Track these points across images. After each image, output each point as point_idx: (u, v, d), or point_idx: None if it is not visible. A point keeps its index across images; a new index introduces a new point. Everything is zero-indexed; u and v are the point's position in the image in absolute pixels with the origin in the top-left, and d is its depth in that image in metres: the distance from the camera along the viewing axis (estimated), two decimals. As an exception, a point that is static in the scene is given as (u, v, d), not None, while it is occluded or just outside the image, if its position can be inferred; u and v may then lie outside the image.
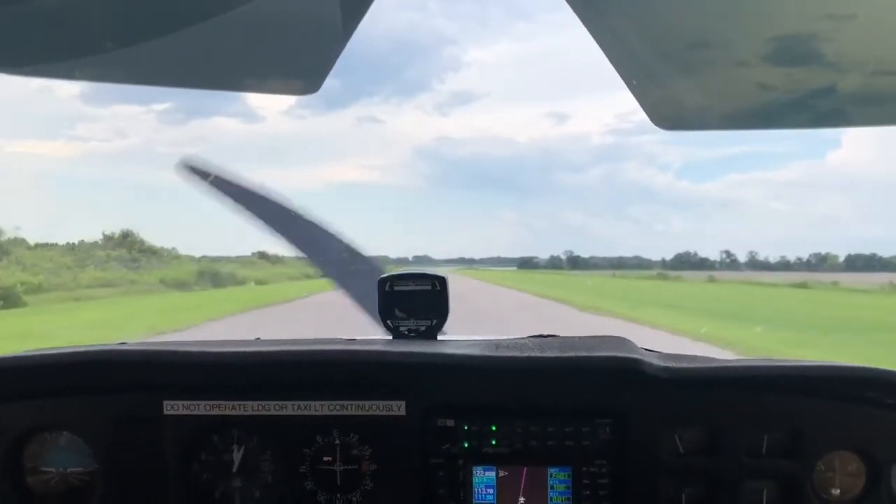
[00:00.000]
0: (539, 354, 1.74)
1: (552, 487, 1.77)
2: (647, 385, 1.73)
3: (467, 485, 1.78)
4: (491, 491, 1.78)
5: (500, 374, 1.76)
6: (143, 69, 1.66)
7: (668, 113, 1.75)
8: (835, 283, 46.91)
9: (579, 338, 2.05)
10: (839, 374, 1.75)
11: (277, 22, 1.57)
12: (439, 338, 2.02)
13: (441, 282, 2.00)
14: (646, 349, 1.89)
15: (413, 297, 2.00)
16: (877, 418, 1.74)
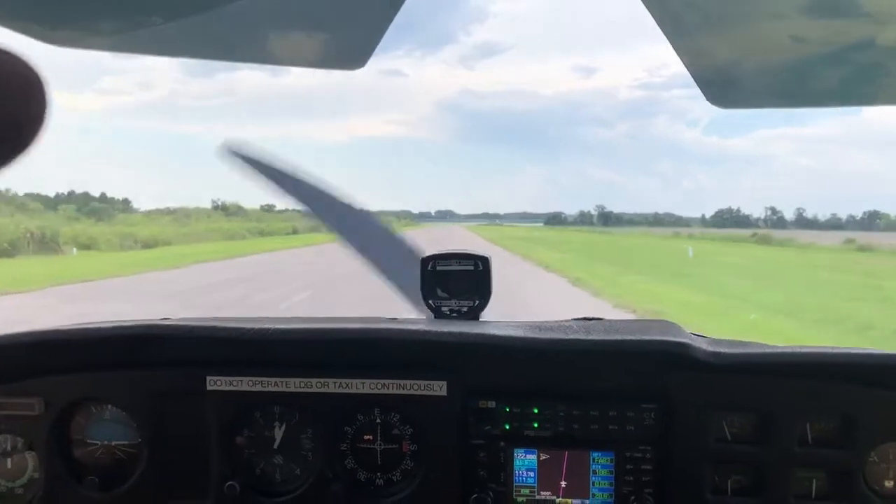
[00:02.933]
0: (584, 337, 1.72)
1: (594, 472, 1.75)
2: (695, 370, 1.69)
3: (508, 467, 1.77)
4: (532, 474, 1.77)
5: (543, 356, 1.74)
6: (188, 43, 1.65)
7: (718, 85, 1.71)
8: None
9: (625, 321, 2.02)
10: (892, 363, 1.69)
11: None
12: (481, 319, 2.00)
13: (484, 262, 1.97)
14: (695, 334, 1.84)
15: (455, 277, 1.98)
16: None
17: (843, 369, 1.71)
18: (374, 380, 1.76)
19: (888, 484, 1.73)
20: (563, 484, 1.76)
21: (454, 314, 1.98)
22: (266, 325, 1.79)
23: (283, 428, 1.83)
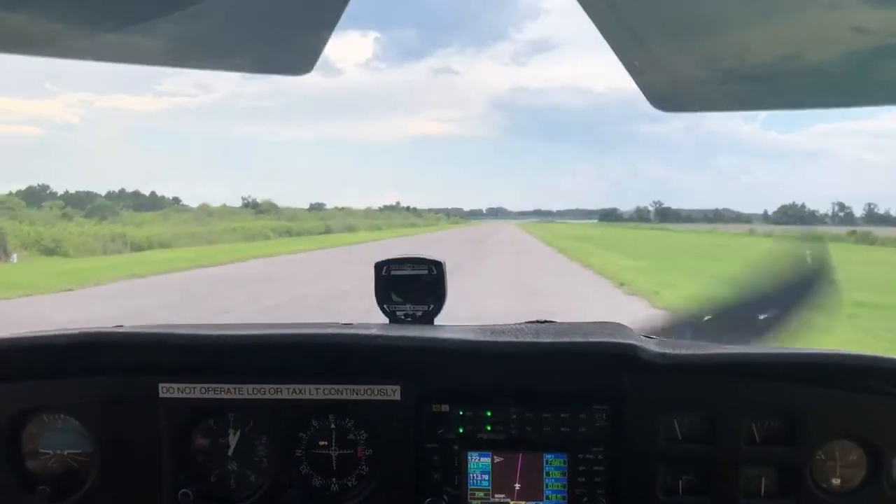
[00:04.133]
0: (534, 339, 1.73)
1: (548, 474, 1.76)
2: (645, 371, 1.71)
3: (462, 470, 1.77)
4: (486, 476, 1.77)
5: (494, 359, 1.75)
6: (154, 50, 1.66)
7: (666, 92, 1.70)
8: None
9: (577, 323, 2.03)
10: (841, 362, 1.72)
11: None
12: (436, 323, 2.01)
13: (438, 266, 1.98)
14: (644, 336, 1.86)
15: (409, 282, 1.99)
16: (879, 407, 1.72)
17: (788, 369, 1.73)
18: (328, 385, 1.76)
19: (835, 481, 1.75)
20: (517, 486, 1.77)
21: (409, 318, 1.98)
22: (220, 332, 1.79)
23: (238, 435, 1.82)
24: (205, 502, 1.80)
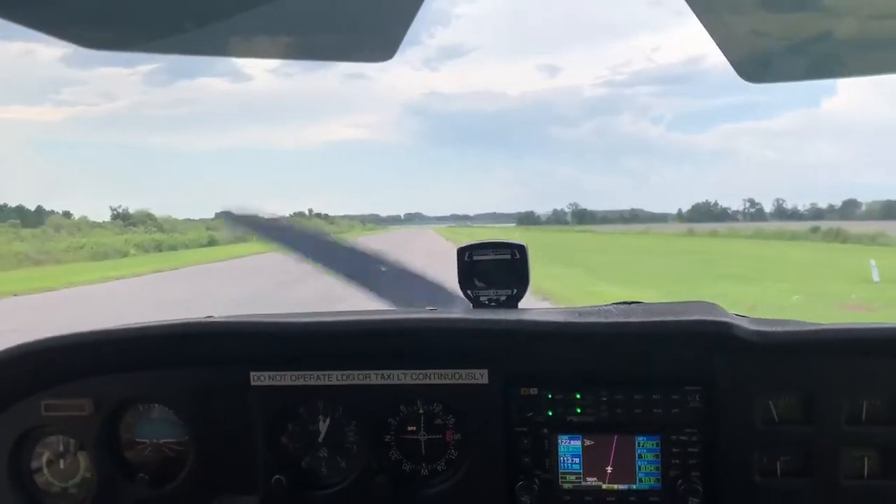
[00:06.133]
0: (624, 320, 1.71)
1: (640, 456, 1.74)
2: (739, 350, 1.67)
3: (553, 453, 1.76)
4: (577, 460, 1.76)
5: (583, 341, 1.74)
6: (220, 41, 1.63)
7: None
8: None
9: (666, 304, 2.01)
10: None
11: None
12: (520, 307, 2.00)
13: (521, 250, 1.97)
14: (737, 314, 1.82)
15: (492, 267, 1.98)
16: None
17: (888, 345, 1.68)
18: (415, 370, 1.76)
19: None
20: (609, 469, 1.75)
21: (493, 303, 1.98)
22: (309, 319, 1.79)
23: (328, 421, 1.84)
24: (297, 488, 1.82)
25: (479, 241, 1.99)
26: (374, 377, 1.77)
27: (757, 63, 1.67)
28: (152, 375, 1.86)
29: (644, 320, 1.71)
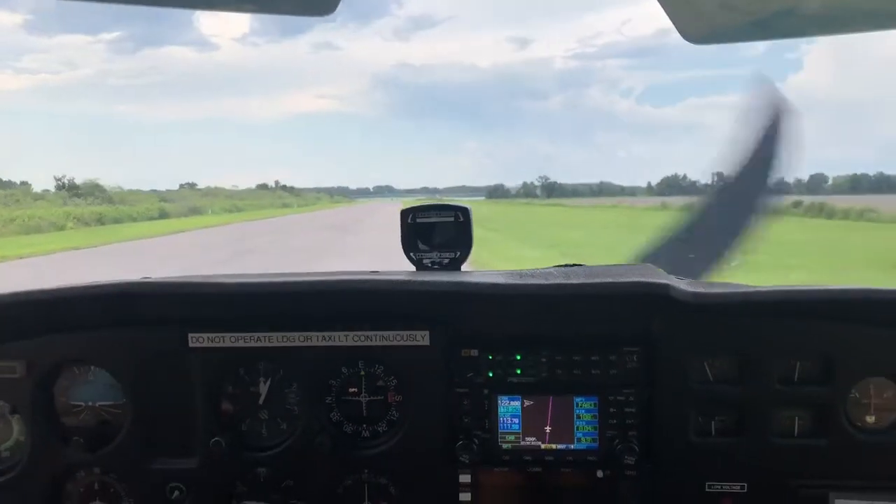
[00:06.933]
0: (565, 281, 1.72)
1: (578, 417, 1.77)
2: (676, 312, 1.70)
3: (492, 414, 1.78)
4: (516, 420, 1.78)
5: (524, 303, 1.74)
6: None
7: None
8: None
9: (606, 266, 2.02)
10: (875, 298, 1.69)
11: None
12: (463, 269, 2.00)
13: (464, 213, 1.96)
14: (676, 276, 1.85)
15: (436, 229, 1.97)
16: None
17: (822, 307, 1.72)
18: (357, 332, 1.76)
19: (869, 419, 1.75)
20: (548, 429, 1.78)
21: (436, 266, 1.97)
22: (247, 280, 1.77)
23: (268, 383, 1.83)
24: (237, 451, 1.81)
25: (422, 203, 1.98)
26: (315, 339, 1.76)
27: (700, 23, 1.67)
28: (88, 337, 1.82)
29: (583, 282, 1.72)
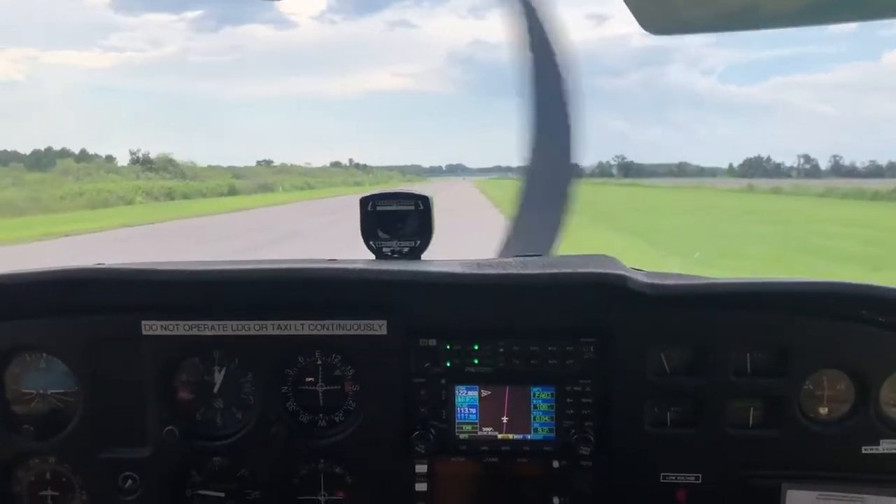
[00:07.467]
0: (521, 272, 1.72)
1: (535, 407, 1.77)
2: (633, 303, 1.70)
3: (449, 404, 1.78)
4: (473, 410, 1.78)
5: (481, 293, 1.74)
6: None
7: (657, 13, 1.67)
8: None
9: (564, 256, 2.02)
10: (829, 291, 1.71)
11: None
12: (423, 258, 1.98)
13: (425, 202, 1.95)
14: (633, 268, 1.85)
15: (396, 218, 1.95)
16: (867, 336, 1.71)
17: (776, 299, 1.73)
18: (314, 321, 1.74)
19: (822, 411, 1.76)
20: (505, 420, 1.78)
21: (395, 255, 1.96)
22: (202, 268, 1.76)
23: (223, 372, 1.81)
24: (191, 440, 1.79)
25: (382, 191, 1.96)
26: (271, 328, 1.74)
27: (658, 14, 1.66)
28: (40, 323, 1.79)
29: (541, 272, 1.72)
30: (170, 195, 48.19)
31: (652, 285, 1.69)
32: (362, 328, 1.74)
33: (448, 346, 1.77)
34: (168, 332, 1.75)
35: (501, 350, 1.77)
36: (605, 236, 17.93)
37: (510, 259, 1.96)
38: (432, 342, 1.77)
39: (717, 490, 1.75)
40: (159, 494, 1.80)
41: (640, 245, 17.09)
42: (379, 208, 1.95)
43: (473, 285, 1.71)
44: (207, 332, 1.75)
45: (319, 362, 1.80)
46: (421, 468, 1.79)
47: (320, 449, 1.80)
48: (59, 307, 1.79)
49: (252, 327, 1.74)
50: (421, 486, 1.78)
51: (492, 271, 1.72)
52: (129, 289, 1.77)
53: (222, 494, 1.82)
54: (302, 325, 1.75)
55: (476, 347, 1.77)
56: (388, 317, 1.74)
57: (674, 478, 1.76)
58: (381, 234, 1.95)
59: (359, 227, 1.95)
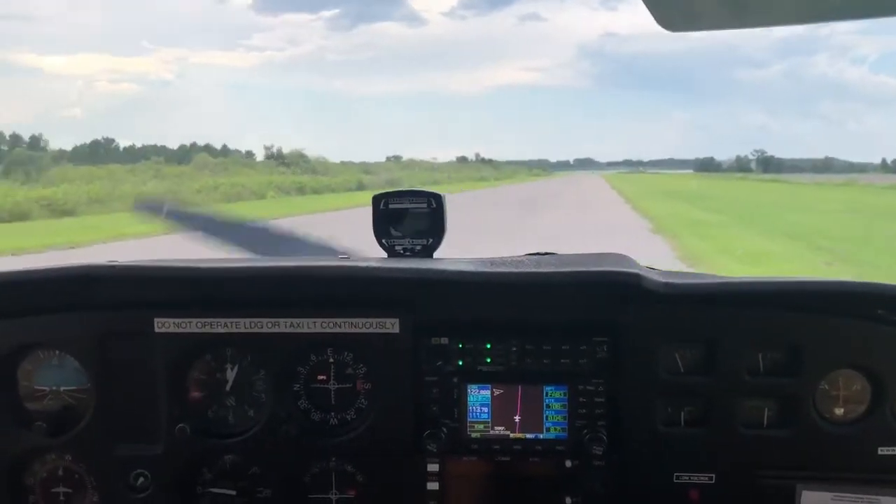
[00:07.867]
0: (534, 270, 1.71)
1: (548, 406, 1.76)
2: (647, 302, 1.68)
3: (462, 403, 1.77)
4: (486, 409, 1.77)
5: (494, 291, 1.73)
6: None
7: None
8: None
9: (579, 254, 2.00)
10: (846, 290, 1.69)
11: None
12: (436, 257, 1.98)
13: (437, 200, 1.94)
14: (647, 266, 1.84)
15: (408, 216, 1.95)
16: (883, 336, 1.69)
17: (792, 298, 1.71)
18: (326, 318, 1.74)
19: (838, 411, 1.74)
20: (517, 419, 1.77)
21: (407, 252, 1.95)
22: (215, 265, 1.77)
23: (235, 369, 1.81)
24: (202, 437, 1.80)
25: (396, 190, 1.95)
26: (283, 325, 1.74)
27: (677, 10, 1.60)
28: (53, 320, 1.80)
29: (555, 270, 1.71)
30: (301, 190, 47.90)
31: (666, 284, 1.68)
32: (374, 326, 1.74)
33: (460, 345, 1.76)
34: (181, 330, 1.75)
35: (514, 349, 1.75)
36: (758, 241, 15.55)
37: (523, 257, 1.95)
38: (444, 341, 1.76)
39: (731, 490, 1.74)
40: (170, 492, 1.81)
41: (800, 251, 14.26)
42: (391, 206, 1.94)
43: (486, 284, 1.71)
44: (220, 330, 1.75)
45: (331, 360, 1.80)
46: (432, 467, 1.78)
47: (332, 447, 1.80)
48: (72, 304, 1.79)
49: (264, 325, 1.75)
50: (432, 485, 1.78)
51: (504, 269, 1.72)
52: (142, 286, 1.78)
53: (233, 492, 1.82)
54: (314, 322, 1.74)
55: (488, 346, 1.76)
56: (401, 315, 1.74)
57: (687, 478, 1.75)
58: (393, 231, 1.95)
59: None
